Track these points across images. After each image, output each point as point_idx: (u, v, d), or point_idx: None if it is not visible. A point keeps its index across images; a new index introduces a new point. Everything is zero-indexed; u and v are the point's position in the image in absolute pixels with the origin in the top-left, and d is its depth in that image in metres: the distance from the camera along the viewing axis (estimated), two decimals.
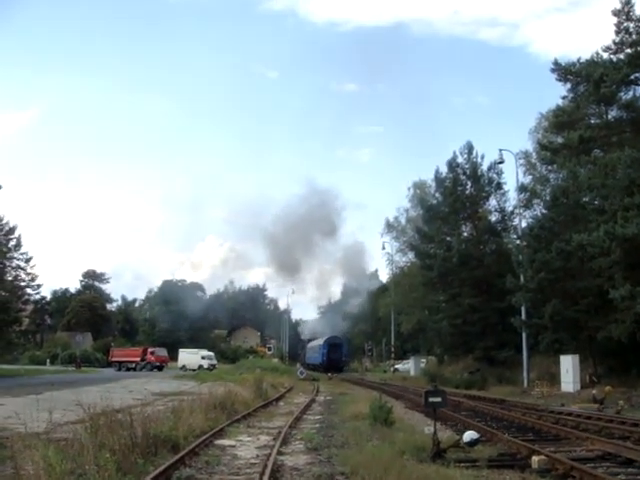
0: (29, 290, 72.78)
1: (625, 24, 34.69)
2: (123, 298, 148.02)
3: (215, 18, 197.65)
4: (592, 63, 36.44)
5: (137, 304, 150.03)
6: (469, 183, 58.22)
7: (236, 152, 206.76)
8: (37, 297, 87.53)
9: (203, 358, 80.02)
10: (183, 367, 77.10)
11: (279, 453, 13.98)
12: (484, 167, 57.51)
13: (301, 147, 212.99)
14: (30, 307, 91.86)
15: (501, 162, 49.36)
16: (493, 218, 59.28)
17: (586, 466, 11.77)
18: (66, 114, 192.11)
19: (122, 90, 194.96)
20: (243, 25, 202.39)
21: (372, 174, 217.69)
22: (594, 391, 28.44)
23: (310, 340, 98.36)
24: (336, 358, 74.79)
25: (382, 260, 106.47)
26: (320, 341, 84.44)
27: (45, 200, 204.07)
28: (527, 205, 54.03)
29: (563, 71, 39.36)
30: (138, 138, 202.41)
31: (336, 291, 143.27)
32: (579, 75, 38.11)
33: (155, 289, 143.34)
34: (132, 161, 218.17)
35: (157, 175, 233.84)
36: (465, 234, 59.48)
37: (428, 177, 70.72)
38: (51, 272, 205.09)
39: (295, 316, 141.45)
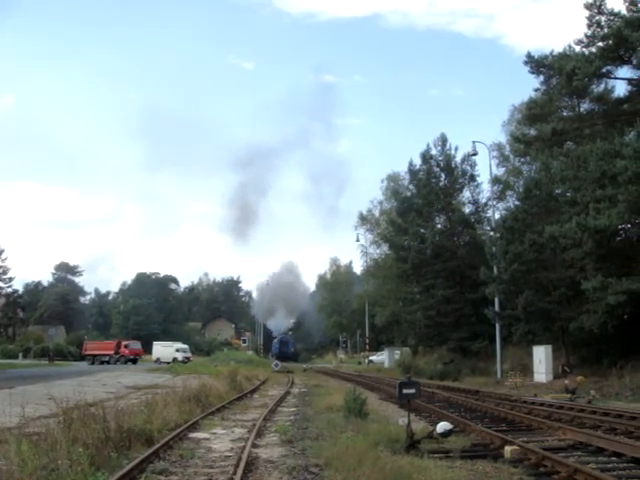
0: (0, 283, 72.29)
1: (597, 17, 34.84)
2: (96, 291, 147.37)
3: (190, 7, 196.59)
4: (564, 56, 36.62)
5: (111, 297, 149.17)
6: (443, 175, 58.45)
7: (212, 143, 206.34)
8: (9, 290, 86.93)
9: (177, 351, 79.76)
10: (157, 360, 76.86)
11: (253, 446, 13.95)
12: (458, 159, 57.87)
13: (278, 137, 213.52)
14: (2, 300, 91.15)
15: (474, 154, 49.52)
16: (467, 210, 59.67)
17: (558, 455, 11.88)
18: (38, 102, 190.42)
19: (95, 83, 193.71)
20: (218, 15, 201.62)
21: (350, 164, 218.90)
22: (566, 381, 28.70)
23: (274, 337, 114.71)
24: (285, 350, 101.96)
25: (356, 252, 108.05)
26: (276, 339, 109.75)
27: (16, 192, 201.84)
28: (500, 197, 54.49)
29: (536, 64, 39.56)
30: (112, 130, 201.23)
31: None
32: (551, 68, 38.30)
33: (129, 282, 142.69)
34: (108, 153, 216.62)
35: (130, 167, 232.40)
36: (439, 226, 59.74)
37: (402, 169, 71.10)
38: (23, 265, 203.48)
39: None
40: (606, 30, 34.26)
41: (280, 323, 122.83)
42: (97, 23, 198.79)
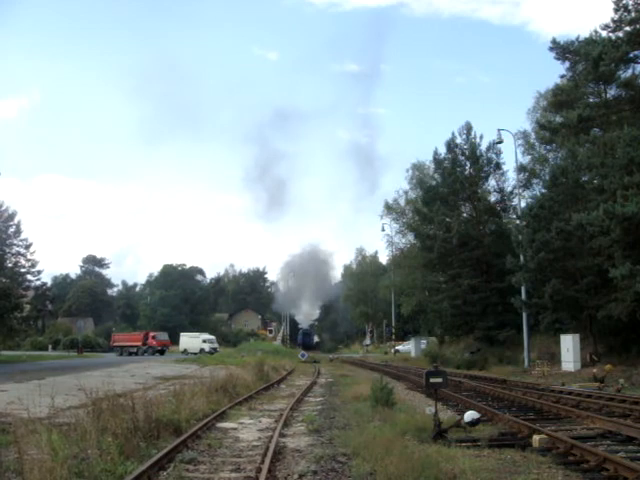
0: (29, 276, 72.81)
1: (624, 2, 34.42)
2: (124, 283, 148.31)
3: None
4: (590, 41, 36.20)
5: (138, 289, 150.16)
6: (468, 163, 58.03)
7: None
8: (37, 283, 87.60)
9: (204, 342, 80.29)
10: (185, 351, 77.39)
11: (281, 435, 14.04)
12: (483, 147, 57.40)
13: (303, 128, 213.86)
14: (31, 293, 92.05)
15: (500, 142, 49.28)
16: (492, 198, 59.31)
17: (586, 444, 11.80)
18: (63, 100, 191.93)
19: (117, 81, 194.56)
20: (241, 5, 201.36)
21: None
22: (594, 370, 28.53)
23: (299, 329, 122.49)
24: (307, 341, 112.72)
25: (382, 242, 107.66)
26: (300, 331, 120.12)
27: (44, 186, 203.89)
28: (526, 185, 54.09)
29: (561, 50, 39.20)
30: (136, 121, 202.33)
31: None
32: (577, 54, 37.91)
33: (156, 273, 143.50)
34: (133, 144, 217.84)
35: (155, 159, 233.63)
36: (464, 215, 59.36)
37: (427, 158, 70.74)
38: (51, 258, 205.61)
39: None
40: (633, 14, 33.87)
41: (305, 312, 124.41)
42: (120, 19, 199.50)
